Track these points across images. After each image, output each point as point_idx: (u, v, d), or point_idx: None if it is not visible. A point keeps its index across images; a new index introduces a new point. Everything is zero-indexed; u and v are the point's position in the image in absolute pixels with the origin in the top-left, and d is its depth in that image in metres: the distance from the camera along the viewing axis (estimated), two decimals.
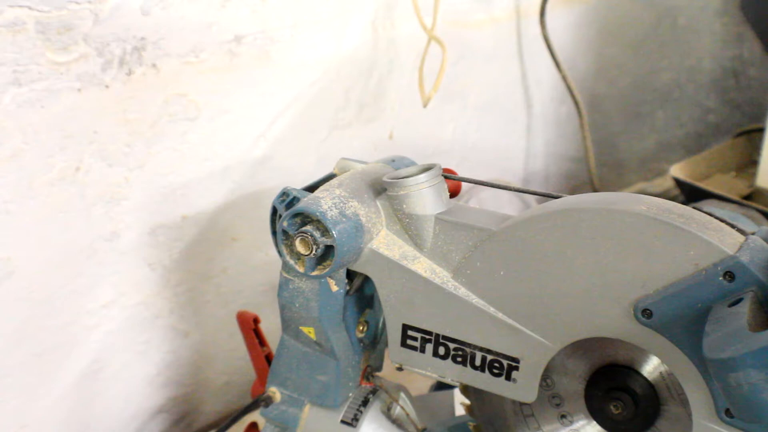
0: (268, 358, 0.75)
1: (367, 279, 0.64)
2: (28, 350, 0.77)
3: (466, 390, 0.66)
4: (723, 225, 0.51)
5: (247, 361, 0.77)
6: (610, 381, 0.57)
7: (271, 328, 0.78)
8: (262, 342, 0.76)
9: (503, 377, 0.59)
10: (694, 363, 0.51)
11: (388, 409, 0.70)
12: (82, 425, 0.85)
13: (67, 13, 0.69)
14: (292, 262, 0.60)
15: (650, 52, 1.45)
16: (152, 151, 0.80)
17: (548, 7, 1.17)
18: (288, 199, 0.63)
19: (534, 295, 0.56)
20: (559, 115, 1.33)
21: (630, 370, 0.56)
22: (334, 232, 0.57)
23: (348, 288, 0.65)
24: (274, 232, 0.66)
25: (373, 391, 0.70)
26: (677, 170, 1.25)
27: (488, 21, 1.14)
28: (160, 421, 0.93)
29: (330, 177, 0.66)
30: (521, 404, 0.63)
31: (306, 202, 0.59)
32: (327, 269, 0.59)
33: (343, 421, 0.68)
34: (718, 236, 0.49)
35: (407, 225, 0.60)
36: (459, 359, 0.60)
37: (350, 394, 0.70)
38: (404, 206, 0.59)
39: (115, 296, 0.83)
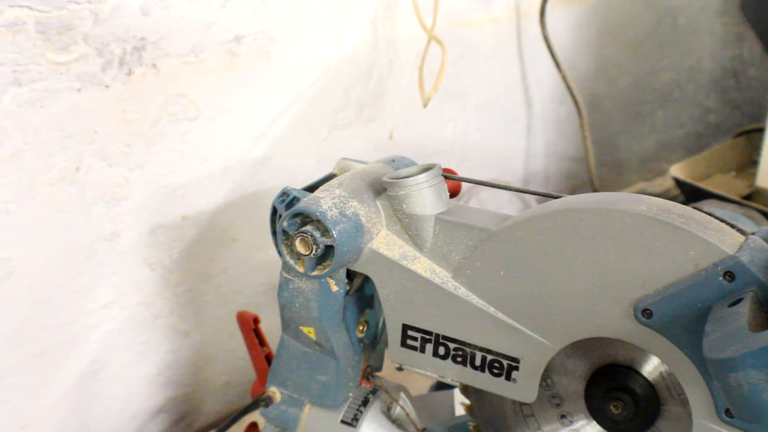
0: (268, 358, 0.75)
1: (367, 279, 0.64)
2: (28, 350, 0.77)
3: (466, 390, 0.66)
4: (723, 225, 0.51)
5: (247, 361, 0.77)
6: (610, 381, 0.57)
7: (271, 328, 0.78)
8: (262, 342, 0.76)
9: (503, 377, 0.59)
10: (694, 363, 0.51)
11: (388, 409, 0.70)
12: (82, 425, 0.85)
13: (67, 13, 0.69)
14: (292, 262, 0.60)
15: (650, 52, 1.45)
16: (152, 151, 0.80)
17: (548, 7, 1.17)
18: (288, 199, 0.63)
19: (534, 295, 0.56)
20: (559, 115, 1.33)
21: (630, 370, 0.56)
22: (334, 232, 0.57)
23: (348, 288, 0.65)
24: (274, 232, 0.66)
25: (373, 391, 0.70)
26: (677, 170, 1.25)
27: (488, 21, 1.14)
28: (160, 421, 0.93)
29: (330, 177, 0.66)
30: (521, 404, 0.63)
31: (306, 202, 0.59)
32: (327, 269, 0.59)
33: (343, 421, 0.68)
34: (718, 236, 0.49)
35: (407, 225, 0.60)
36: (459, 359, 0.60)
37: (350, 394, 0.70)
38: (404, 206, 0.59)
39: (115, 296, 0.83)
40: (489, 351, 0.59)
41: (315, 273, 0.60)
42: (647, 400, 0.56)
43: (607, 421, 0.58)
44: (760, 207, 1.09)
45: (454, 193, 0.66)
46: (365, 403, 0.69)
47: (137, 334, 0.86)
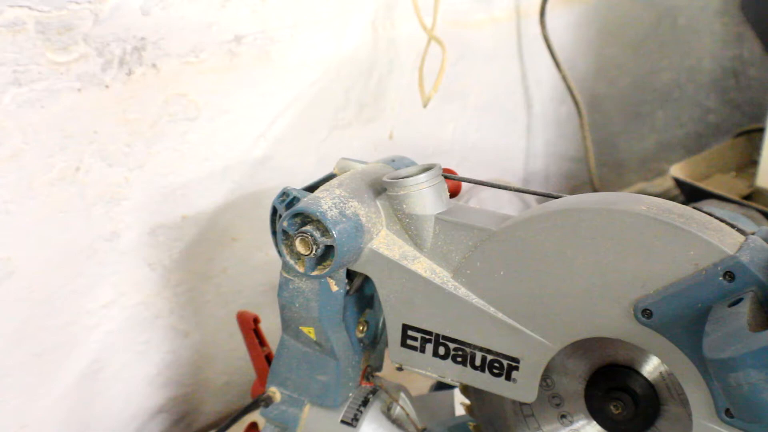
0: (268, 358, 0.75)
1: (367, 279, 0.64)
2: (28, 350, 0.77)
3: (466, 390, 0.66)
4: (723, 225, 0.51)
5: (247, 361, 0.77)
6: (610, 381, 0.57)
7: (271, 328, 0.78)
8: (262, 342, 0.76)
9: (503, 377, 0.59)
10: (694, 363, 0.51)
11: (388, 409, 0.70)
12: (82, 425, 0.85)
13: (67, 13, 0.69)
14: (292, 262, 0.60)
15: (650, 52, 1.45)
16: (152, 151, 0.80)
17: (548, 7, 1.17)
18: (288, 199, 0.63)
19: (534, 295, 0.56)
20: (559, 115, 1.33)
21: (630, 370, 0.56)
22: (334, 232, 0.57)
23: (348, 288, 0.65)
24: (274, 232, 0.66)
25: (373, 391, 0.70)
26: (677, 170, 1.25)
27: (488, 21, 1.14)
28: (160, 421, 0.93)
29: (330, 177, 0.66)
30: (521, 404, 0.63)
31: (306, 202, 0.59)
32: (327, 269, 0.59)
33: (343, 421, 0.68)
34: (718, 236, 0.49)
35: (407, 225, 0.60)
36: (459, 359, 0.60)
37: (350, 394, 0.70)
38: (404, 206, 0.59)
39: (115, 296, 0.83)
40: (489, 351, 0.59)
41: (315, 273, 0.60)
42: (647, 400, 0.56)
43: (607, 421, 0.58)
44: (760, 207, 1.09)
45: (454, 193, 0.66)
46: (365, 403, 0.69)
47: (137, 334, 0.86)
